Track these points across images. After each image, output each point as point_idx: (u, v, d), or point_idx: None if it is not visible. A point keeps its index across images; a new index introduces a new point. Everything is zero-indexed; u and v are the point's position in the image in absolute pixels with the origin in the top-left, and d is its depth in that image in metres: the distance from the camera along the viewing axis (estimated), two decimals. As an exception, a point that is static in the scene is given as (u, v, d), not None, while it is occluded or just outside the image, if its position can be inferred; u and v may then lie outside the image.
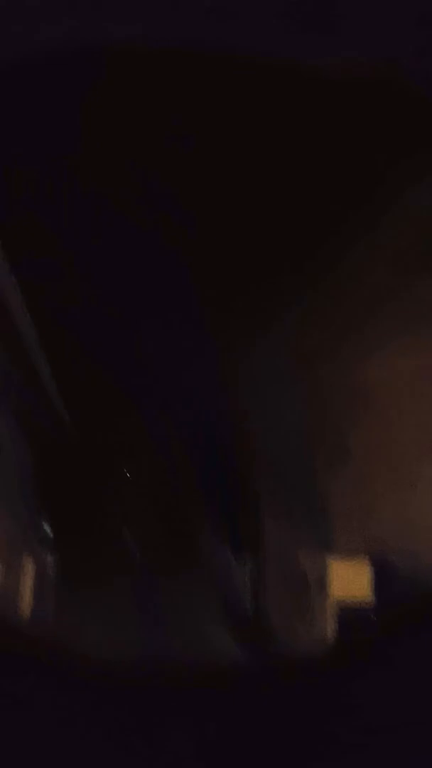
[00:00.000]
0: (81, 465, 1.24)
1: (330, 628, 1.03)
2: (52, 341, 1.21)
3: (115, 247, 1.17)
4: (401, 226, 1.10)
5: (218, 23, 0.87)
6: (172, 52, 0.89)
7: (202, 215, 1.12)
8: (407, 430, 1.15)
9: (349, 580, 1.14)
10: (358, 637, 0.90)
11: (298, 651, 1.07)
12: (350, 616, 1.03)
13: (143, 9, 0.88)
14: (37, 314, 1.16)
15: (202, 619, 1.16)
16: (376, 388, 1.16)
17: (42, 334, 1.18)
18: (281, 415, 1.21)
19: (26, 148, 1.01)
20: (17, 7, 0.88)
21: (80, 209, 1.12)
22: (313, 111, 0.97)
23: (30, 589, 1.10)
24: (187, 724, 0.66)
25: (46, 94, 0.95)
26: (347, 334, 1.19)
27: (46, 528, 1.25)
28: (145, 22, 0.88)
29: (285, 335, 1.20)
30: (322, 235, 1.15)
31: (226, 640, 1.11)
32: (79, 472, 1.24)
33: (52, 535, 1.23)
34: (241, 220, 1.13)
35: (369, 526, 1.15)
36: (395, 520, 1.13)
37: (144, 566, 1.23)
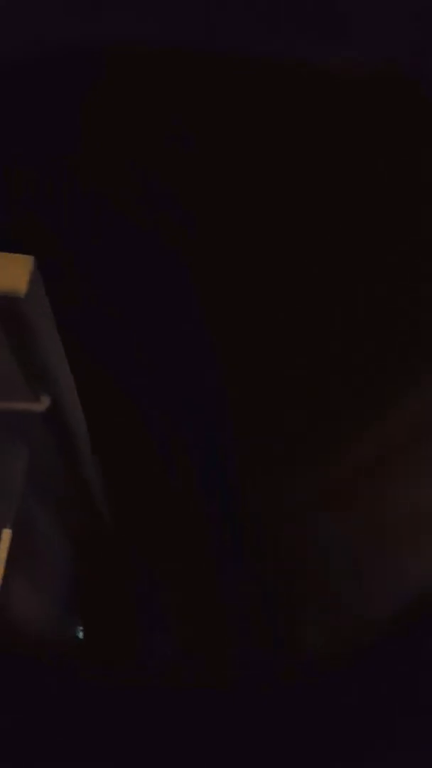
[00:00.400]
0: (116, 560, 1.24)
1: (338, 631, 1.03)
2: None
3: (115, 247, 1.17)
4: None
5: (218, 24, 0.87)
6: (172, 53, 0.89)
7: (202, 215, 1.12)
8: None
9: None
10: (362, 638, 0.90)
11: (305, 654, 1.06)
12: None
13: (143, 9, 0.88)
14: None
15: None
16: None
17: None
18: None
19: (26, 148, 1.01)
20: (18, 7, 0.88)
21: (80, 209, 1.12)
22: (313, 111, 0.97)
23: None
24: (189, 725, 0.66)
25: (46, 94, 0.95)
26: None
27: (78, 632, 1.23)
28: (145, 22, 0.88)
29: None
30: (321, 236, 1.15)
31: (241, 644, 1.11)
32: (115, 567, 1.23)
33: (81, 638, 1.21)
34: (241, 220, 1.13)
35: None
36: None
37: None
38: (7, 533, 1.82)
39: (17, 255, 0.64)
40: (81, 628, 1.26)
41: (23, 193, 1.01)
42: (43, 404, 1.34)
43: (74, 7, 0.83)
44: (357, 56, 0.83)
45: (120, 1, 0.85)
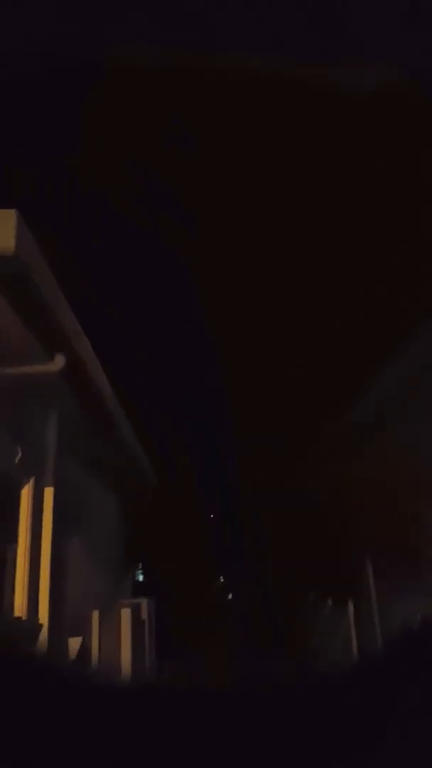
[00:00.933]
0: (166, 517, 1.24)
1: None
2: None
3: (115, 247, 1.17)
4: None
5: (219, 24, 0.87)
6: (172, 54, 0.89)
7: (202, 215, 1.12)
8: None
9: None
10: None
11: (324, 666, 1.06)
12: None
13: (144, 11, 0.87)
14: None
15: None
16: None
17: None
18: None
19: (26, 148, 1.01)
20: (18, 8, 0.88)
21: (80, 209, 1.12)
22: (313, 111, 0.96)
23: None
24: (190, 724, 0.66)
25: (46, 94, 0.95)
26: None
27: (138, 573, 1.24)
28: (146, 24, 0.88)
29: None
30: (321, 236, 1.15)
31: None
32: (165, 523, 1.23)
33: (143, 580, 1.22)
34: (241, 220, 1.13)
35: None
36: None
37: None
38: (49, 491, 1.83)
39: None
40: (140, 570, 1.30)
41: (23, 193, 1.01)
42: (59, 364, 1.35)
43: (75, 8, 0.83)
44: (357, 57, 0.83)
45: (120, 2, 0.85)
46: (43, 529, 1.81)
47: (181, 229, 1.12)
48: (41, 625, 1.67)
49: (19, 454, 1.62)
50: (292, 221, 1.12)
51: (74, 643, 2.05)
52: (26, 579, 1.68)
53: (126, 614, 2.32)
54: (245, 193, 1.09)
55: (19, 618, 1.63)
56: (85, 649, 2.11)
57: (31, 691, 0.69)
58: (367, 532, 2.76)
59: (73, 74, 0.94)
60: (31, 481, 1.78)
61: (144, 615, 2.67)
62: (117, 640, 2.30)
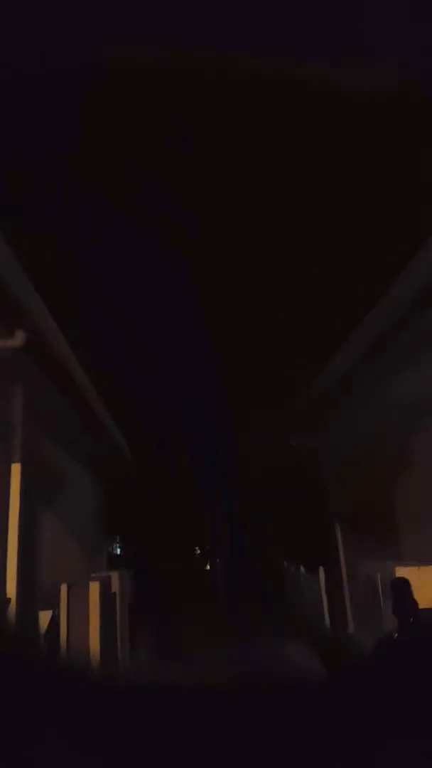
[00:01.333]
0: (143, 496, 1.25)
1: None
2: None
3: (115, 247, 1.17)
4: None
5: (219, 24, 0.87)
6: (173, 53, 0.89)
7: (202, 215, 1.12)
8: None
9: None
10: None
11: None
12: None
13: (144, 11, 0.87)
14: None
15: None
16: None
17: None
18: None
19: (26, 148, 1.01)
20: (18, 8, 0.88)
21: (80, 209, 1.12)
22: (313, 111, 0.96)
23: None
24: (190, 724, 0.66)
25: (46, 94, 0.95)
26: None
27: (115, 546, 1.26)
28: (146, 24, 0.88)
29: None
30: (321, 236, 1.15)
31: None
32: (142, 502, 1.25)
33: (119, 552, 1.24)
34: (241, 220, 1.13)
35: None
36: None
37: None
38: (16, 467, 1.83)
39: None
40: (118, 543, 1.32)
41: (23, 193, 1.01)
42: (19, 339, 1.37)
43: (75, 8, 0.82)
44: (357, 57, 0.83)
45: (120, 2, 0.85)
46: (11, 504, 1.83)
47: (181, 229, 1.12)
48: (8, 600, 1.69)
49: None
50: (292, 221, 1.12)
51: (44, 617, 2.09)
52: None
53: (95, 587, 2.34)
54: (245, 193, 1.09)
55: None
56: (54, 622, 2.14)
57: (31, 690, 0.69)
58: (338, 502, 2.90)
59: (73, 74, 0.94)
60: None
61: (114, 588, 2.69)
62: (86, 613, 2.32)
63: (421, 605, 1.15)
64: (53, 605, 2.14)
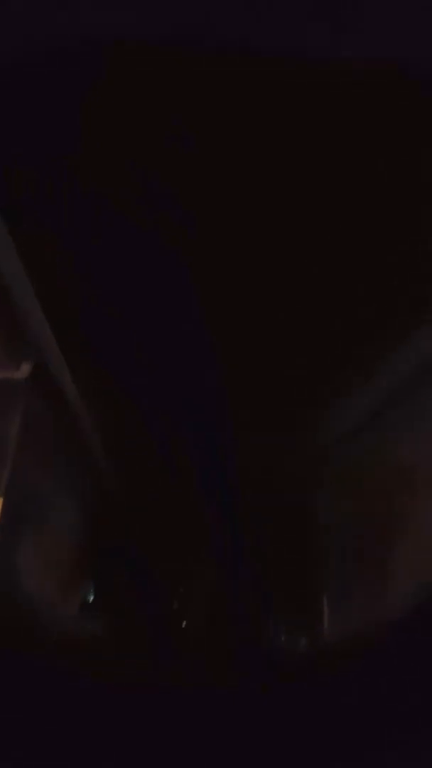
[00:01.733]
0: (126, 527, 1.26)
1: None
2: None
3: (115, 247, 1.17)
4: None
5: (218, 22, 0.87)
6: (173, 51, 0.89)
7: (202, 215, 1.12)
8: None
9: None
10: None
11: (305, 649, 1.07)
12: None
13: (144, 7, 0.88)
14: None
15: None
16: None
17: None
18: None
19: (26, 148, 1.01)
20: (18, 8, 0.88)
21: (80, 209, 1.12)
22: (313, 110, 0.97)
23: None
24: (189, 724, 0.66)
25: (46, 93, 0.95)
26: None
27: (89, 595, 1.26)
28: (145, 21, 0.88)
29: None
30: (321, 236, 1.15)
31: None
32: (125, 534, 1.25)
33: (91, 601, 1.23)
34: (241, 220, 1.13)
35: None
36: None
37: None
38: None
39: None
40: (92, 592, 1.29)
41: (23, 193, 1.01)
42: (24, 372, 1.37)
43: (74, 8, 0.83)
44: (358, 55, 0.83)
45: (121, 2, 0.85)
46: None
47: (181, 229, 1.13)
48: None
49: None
50: (292, 221, 1.13)
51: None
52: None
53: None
54: (245, 192, 1.09)
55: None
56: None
57: (31, 690, 0.69)
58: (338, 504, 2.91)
59: (73, 74, 0.94)
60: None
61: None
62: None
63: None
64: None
